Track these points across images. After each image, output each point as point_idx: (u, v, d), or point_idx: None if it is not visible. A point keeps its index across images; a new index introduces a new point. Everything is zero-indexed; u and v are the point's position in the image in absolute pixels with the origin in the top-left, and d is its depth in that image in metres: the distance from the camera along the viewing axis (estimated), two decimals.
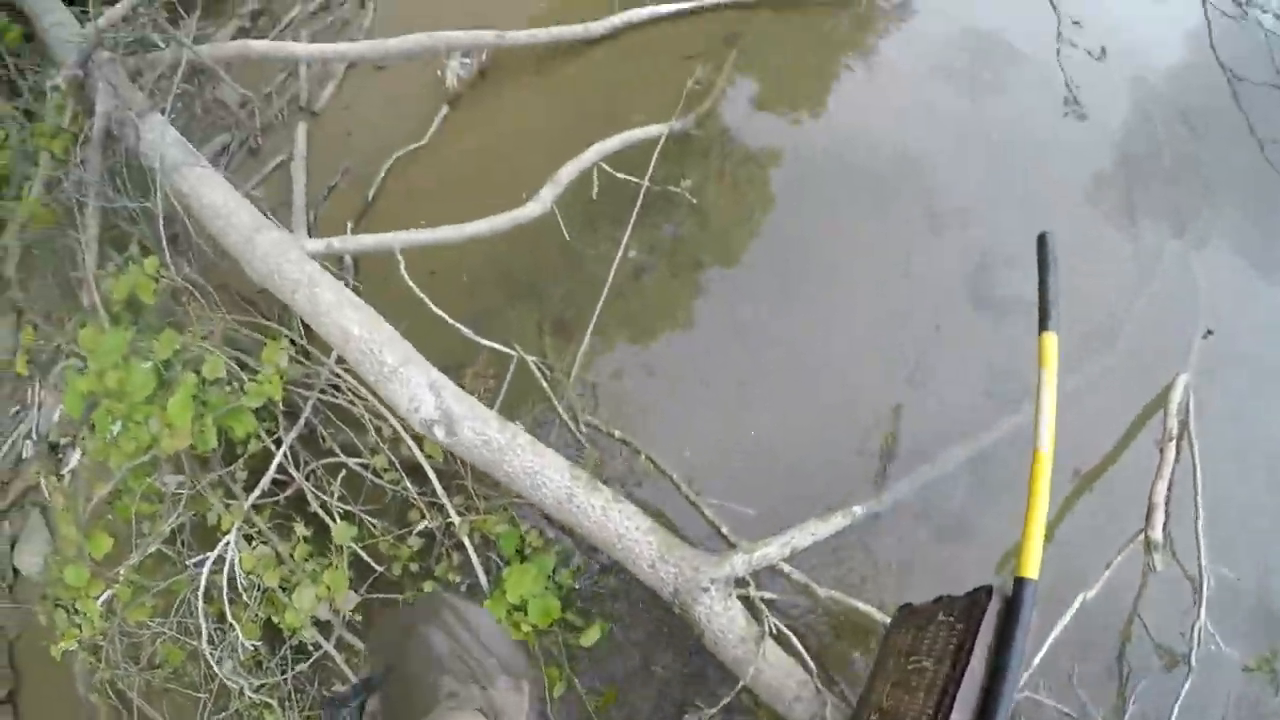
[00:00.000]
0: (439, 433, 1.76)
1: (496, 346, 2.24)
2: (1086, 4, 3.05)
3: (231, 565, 2.17)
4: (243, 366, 2.24)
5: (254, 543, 2.20)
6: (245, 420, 2.11)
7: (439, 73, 2.92)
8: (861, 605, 1.95)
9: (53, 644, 2.25)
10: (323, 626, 2.24)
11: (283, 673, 2.35)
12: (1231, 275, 2.49)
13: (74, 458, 2.81)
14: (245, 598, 2.18)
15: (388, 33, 2.89)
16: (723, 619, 1.81)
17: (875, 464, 2.21)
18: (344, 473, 2.26)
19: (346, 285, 2.50)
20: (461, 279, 2.48)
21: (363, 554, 2.20)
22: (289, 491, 2.23)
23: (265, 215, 2.43)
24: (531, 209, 2.30)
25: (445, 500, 2.18)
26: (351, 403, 2.23)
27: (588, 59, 2.90)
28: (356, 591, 2.18)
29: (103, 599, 2.21)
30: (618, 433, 2.18)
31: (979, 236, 2.48)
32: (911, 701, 1.38)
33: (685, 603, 1.82)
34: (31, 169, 2.52)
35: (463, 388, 2.31)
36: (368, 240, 2.20)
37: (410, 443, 2.16)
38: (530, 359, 2.25)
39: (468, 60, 2.90)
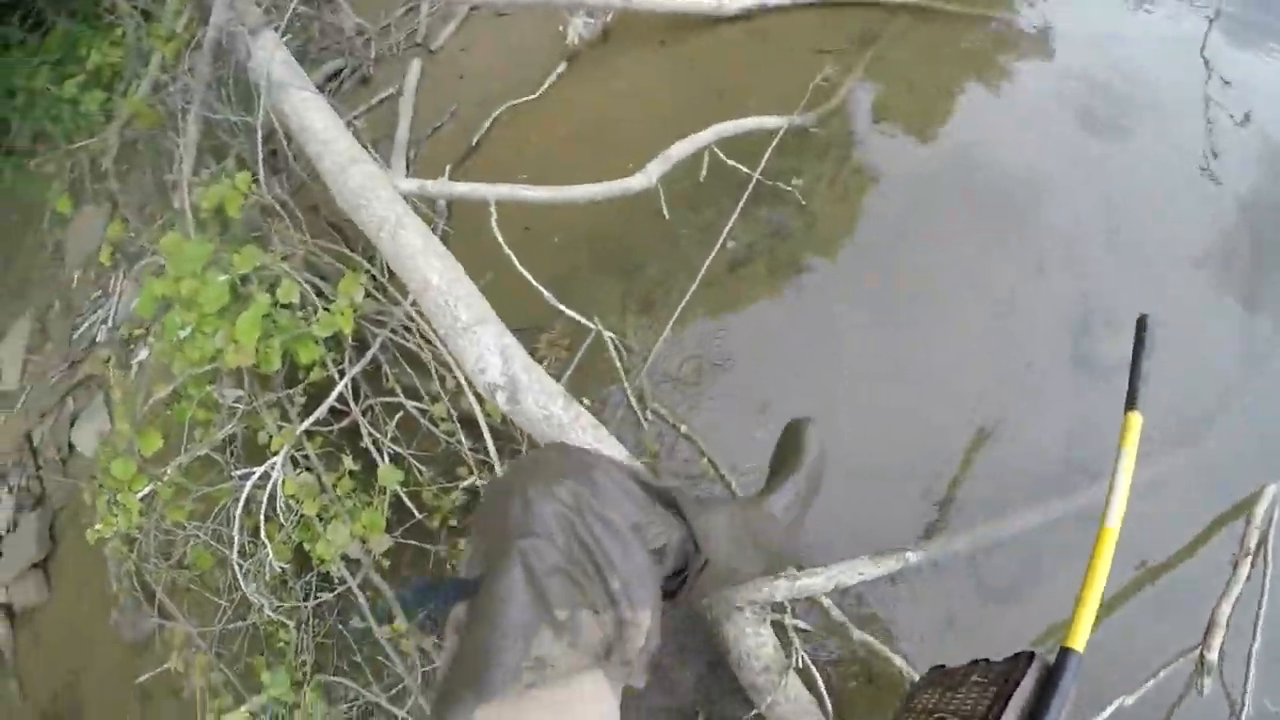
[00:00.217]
0: (501, 399, 1.66)
1: (577, 317, 2.12)
2: (1240, 66, 2.75)
3: (274, 486, 2.13)
4: (318, 293, 2.19)
5: (299, 469, 2.15)
6: (311, 347, 2.05)
7: (561, 28, 2.81)
8: (895, 658, 1.79)
9: (91, 527, 2.26)
10: (351, 564, 2.19)
11: (305, 598, 2.31)
12: None
13: (143, 352, 2.83)
14: (281, 519, 2.13)
15: None
16: (751, 641, 1.68)
17: (938, 509, 2.03)
18: (401, 414, 2.20)
19: (437, 229, 2.44)
20: (553, 240, 2.37)
21: (405, 498, 2.13)
22: (344, 423, 2.17)
23: (364, 147, 2.37)
24: (636, 182, 2.17)
25: (496, 462, 2.09)
26: (419, 347, 2.15)
27: (716, 36, 2.74)
28: (391, 535, 2.12)
29: (144, 494, 2.20)
30: (683, 428, 2.05)
31: (1086, 290, 2.25)
32: None
33: (717, 617, 1.70)
34: (142, 69, 2.51)
35: (536, 352, 2.23)
36: (463, 188, 2.11)
37: (471, 398, 2.07)
38: (609, 335, 2.14)
39: (592, 20, 2.78)
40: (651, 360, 2.16)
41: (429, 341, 2.13)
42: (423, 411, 2.17)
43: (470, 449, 2.12)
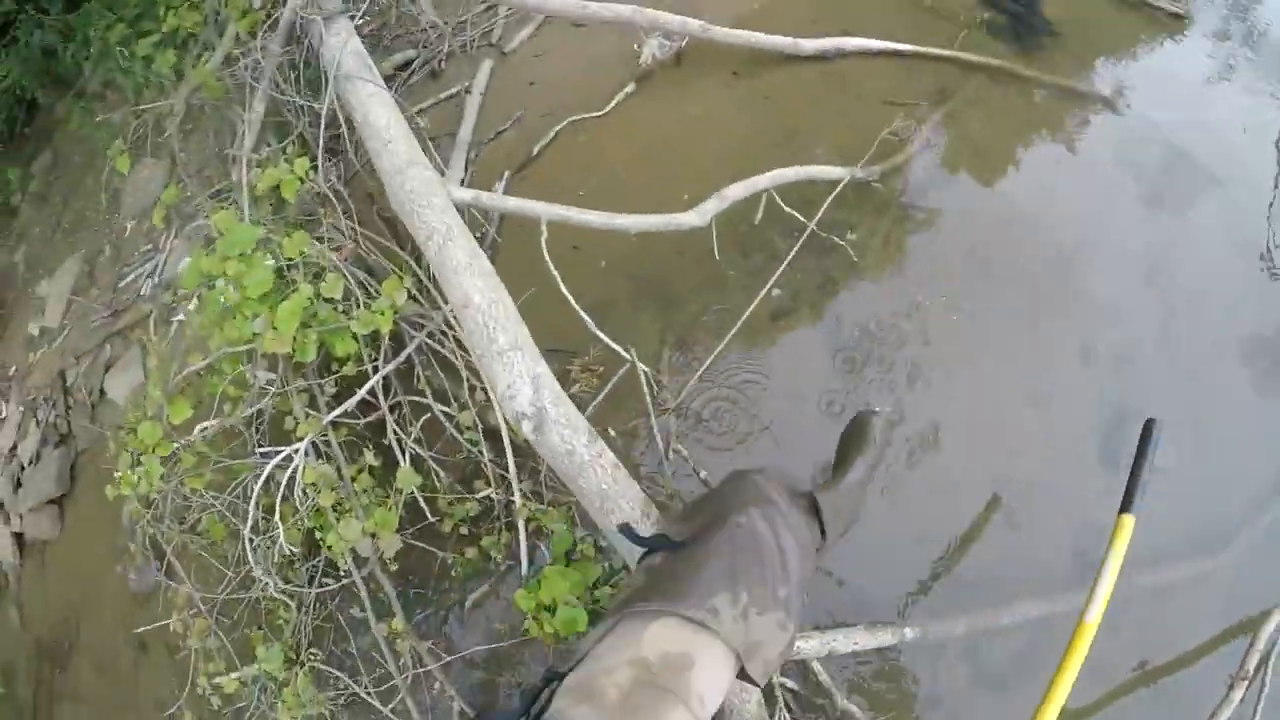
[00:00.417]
0: (527, 428, 1.64)
1: (614, 346, 2.10)
2: None
3: (295, 470, 2.14)
4: (361, 286, 2.20)
5: (321, 457, 2.16)
6: (348, 341, 2.05)
7: (636, 46, 2.78)
8: None
9: (112, 480, 2.29)
10: (360, 559, 2.20)
11: (310, 582, 2.33)
12: None
13: (182, 314, 2.86)
14: (297, 503, 2.15)
15: None
16: (736, 698, 1.66)
17: (942, 585, 2.00)
18: (427, 416, 2.20)
19: (488, 235, 2.44)
20: (600, 263, 2.35)
21: (421, 501, 2.13)
22: (371, 417, 2.17)
23: (426, 144, 2.37)
24: (689, 218, 2.14)
25: (514, 478, 2.08)
26: (454, 353, 2.15)
27: (790, 74, 2.70)
28: (402, 535, 2.13)
29: (167, 458, 2.22)
30: (704, 474, 2.03)
31: (1126, 384, 2.19)
32: None
33: None
34: (217, 38, 2.52)
35: (568, 375, 2.22)
36: (515, 203, 2.09)
37: (499, 411, 2.07)
38: (643, 368, 2.12)
39: (668, 42, 2.75)
40: (682, 399, 2.14)
41: (464, 349, 2.13)
42: (449, 417, 2.17)
43: (491, 460, 2.12)
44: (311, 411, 2.17)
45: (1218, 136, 2.63)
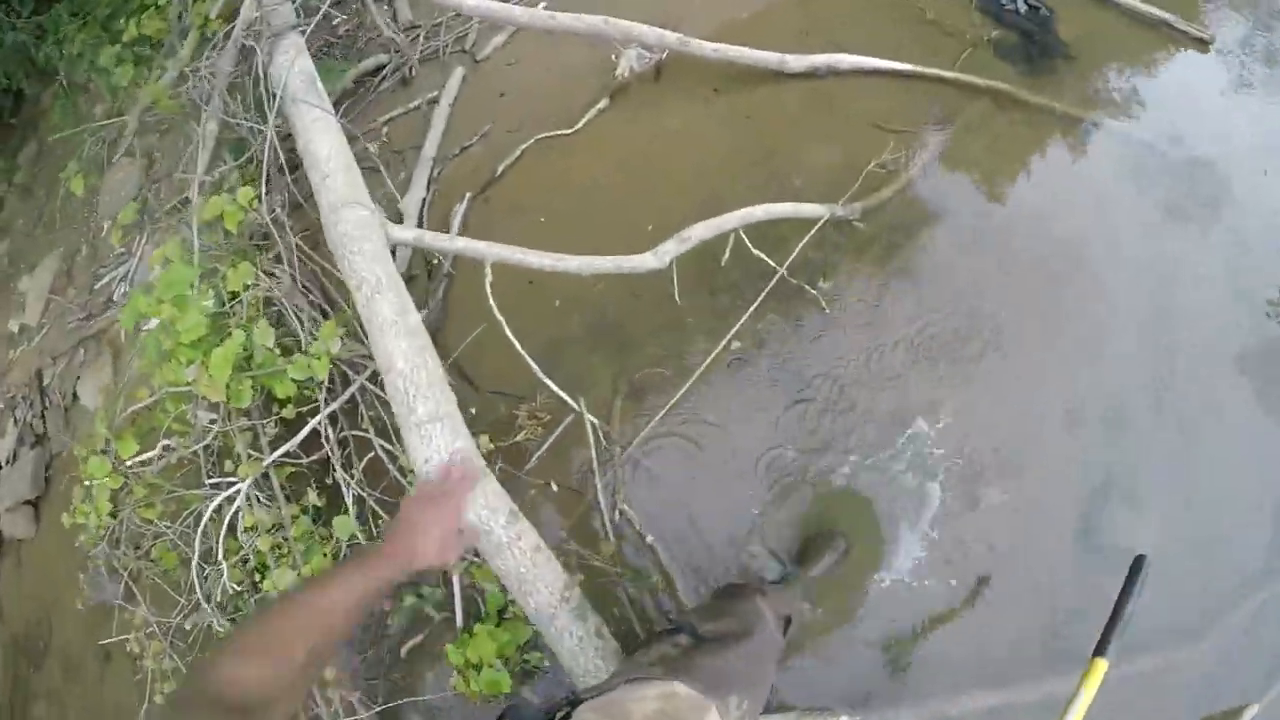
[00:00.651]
0: None
1: (562, 395, 2.02)
2: None
3: (238, 509, 2.11)
4: (319, 309, 2.14)
5: (264, 495, 2.13)
6: (287, 384, 1.99)
7: (614, 56, 2.61)
8: None
9: (68, 506, 2.29)
10: None
11: None
12: None
13: (152, 322, 2.82)
14: (240, 542, 2.13)
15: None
16: None
17: (894, 670, 1.90)
18: (371, 454, 2.14)
19: (443, 266, 2.34)
20: (555, 302, 2.24)
21: (361, 542, 2.09)
22: (313, 458, 2.13)
23: (381, 167, 2.26)
24: (646, 261, 2.02)
25: None
26: None
27: (775, 94, 2.51)
28: None
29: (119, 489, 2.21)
30: (650, 538, 1.94)
31: (1116, 456, 2.05)
32: None
33: None
34: (180, 44, 2.42)
35: (515, 420, 2.14)
36: (460, 244, 1.98)
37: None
38: (591, 419, 2.03)
39: (647, 54, 2.58)
40: (629, 452, 2.05)
41: None
42: (392, 457, 2.11)
43: None
44: (254, 452, 2.13)
45: (1238, 176, 2.39)
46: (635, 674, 1.20)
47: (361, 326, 2.09)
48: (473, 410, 2.19)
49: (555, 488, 2.05)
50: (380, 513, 2.12)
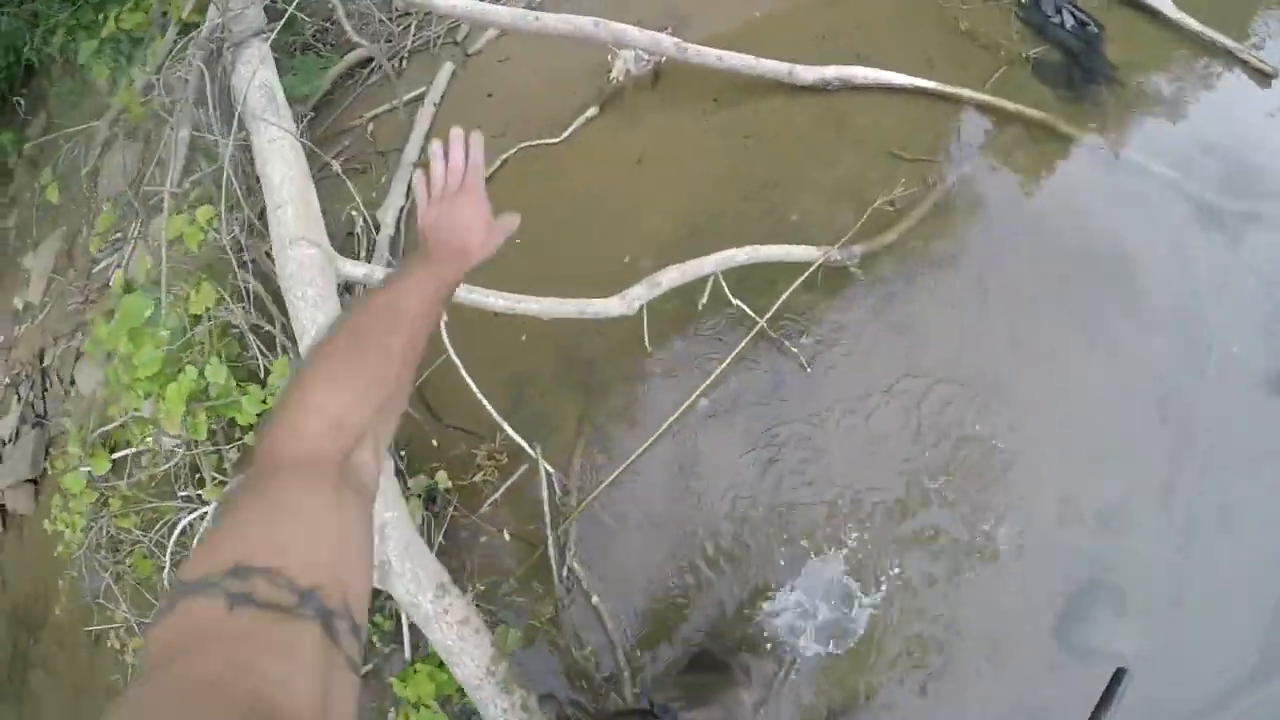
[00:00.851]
0: (374, 575, 1.60)
1: (519, 441, 2.01)
2: None
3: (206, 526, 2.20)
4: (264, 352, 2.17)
5: None
6: (245, 414, 2.04)
7: (610, 57, 2.50)
8: None
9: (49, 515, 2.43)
10: None
11: None
12: None
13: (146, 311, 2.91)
14: None
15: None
16: None
17: None
18: None
19: None
20: (521, 337, 2.21)
21: None
22: None
23: (347, 185, 2.23)
24: (613, 305, 1.97)
25: None
26: None
27: (778, 110, 2.38)
28: None
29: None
30: (596, 599, 1.95)
31: (1107, 552, 1.94)
32: None
33: None
34: (161, 36, 2.40)
35: (474, 460, 2.15)
36: None
37: None
38: (546, 467, 2.02)
39: (645, 58, 2.46)
40: (584, 507, 2.04)
41: None
42: None
43: None
44: (218, 475, 2.19)
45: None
46: None
47: None
48: (434, 442, 2.22)
49: (508, 536, 2.06)
50: None
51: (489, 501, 2.08)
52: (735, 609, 1.94)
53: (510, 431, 2.01)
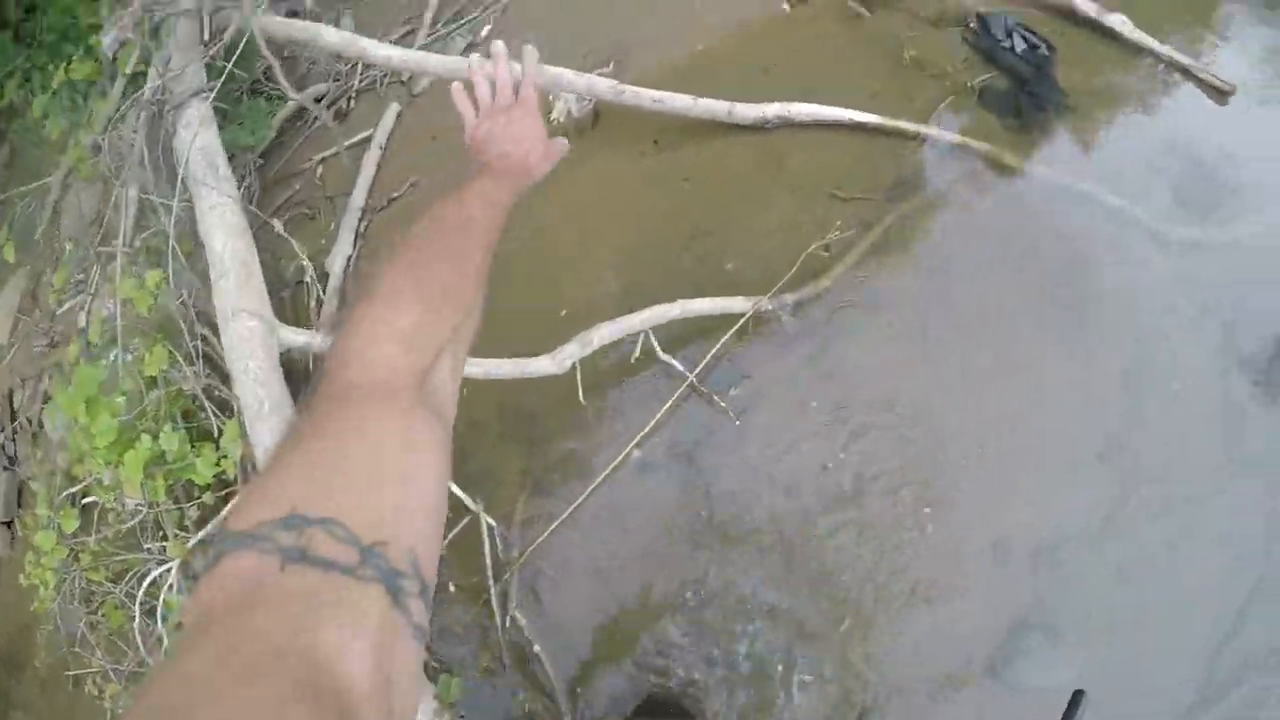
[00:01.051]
0: None
1: (460, 495, 2.15)
2: None
3: (171, 583, 2.37)
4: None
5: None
6: (201, 475, 2.19)
7: (550, 98, 2.59)
8: None
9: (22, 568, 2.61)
10: None
11: None
12: None
13: (112, 353, 3.06)
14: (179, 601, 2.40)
15: (511, 35, 2.56)
16: None
17: None
18: None
19: None
20: (463, 390, 2.33)
21: None
22: None
23: (289, 242, 2.35)
24: (544, 365, 2.10)
25: None
26: None
27: (720, 149, 2.48)
28: None
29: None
30: (538, 647, 2.10)
31: (1043, 587, 2.05)
32: None
33: None
34: (110, 87, 2.51)
35: None
36: None
37: None
38: (488, 520, 2.16)
39: (586, 100, 2.55)
40: (525, 558, 2.18)
41: None
42: None
43: None
44: (180, 532, 2.36)
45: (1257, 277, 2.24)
46: None
47: None
48: None
49: (453, 589, 2.21)
50: None
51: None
52: (678, 652, 2.08)
53: (454, 488, 2.15)
